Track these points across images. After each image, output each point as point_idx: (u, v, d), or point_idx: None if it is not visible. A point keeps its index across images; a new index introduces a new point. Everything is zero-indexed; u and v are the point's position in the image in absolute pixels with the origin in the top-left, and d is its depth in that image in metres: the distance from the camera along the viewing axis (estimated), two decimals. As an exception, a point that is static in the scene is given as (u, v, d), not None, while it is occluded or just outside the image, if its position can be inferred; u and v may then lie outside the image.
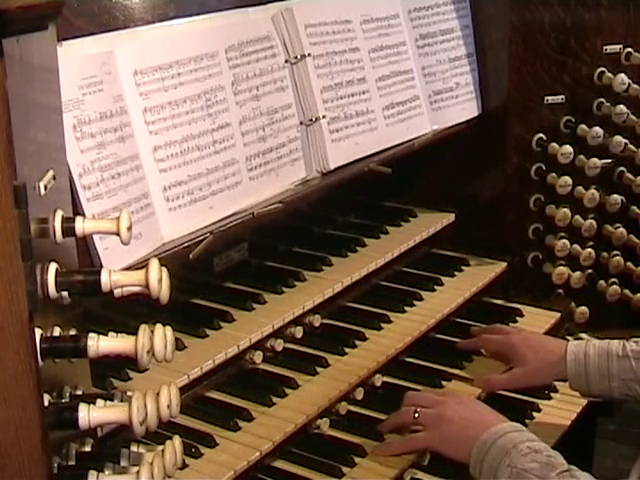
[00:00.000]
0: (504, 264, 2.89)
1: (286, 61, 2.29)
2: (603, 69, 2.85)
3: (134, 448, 1.54)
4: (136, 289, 1.38)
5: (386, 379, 2.35)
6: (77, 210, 1.69)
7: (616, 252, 3.00)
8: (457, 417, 2.03)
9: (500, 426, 1.94)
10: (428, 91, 2.75)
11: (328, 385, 2.21)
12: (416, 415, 2.09)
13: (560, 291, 2.97)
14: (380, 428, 2.16)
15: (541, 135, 2.86)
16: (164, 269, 1.36)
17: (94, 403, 1.38)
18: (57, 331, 1.37)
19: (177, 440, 1.46)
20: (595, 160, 2.86)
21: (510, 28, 2.77)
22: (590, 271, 2.98)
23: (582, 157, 2.87)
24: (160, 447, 1.44)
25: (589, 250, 2.95)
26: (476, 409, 2.08)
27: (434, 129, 2.76)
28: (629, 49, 2.86)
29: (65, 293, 1.36)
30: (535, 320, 2.76)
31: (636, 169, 2.93)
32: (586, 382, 2.25)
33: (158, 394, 1.38)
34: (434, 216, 2.94)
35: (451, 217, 2.93)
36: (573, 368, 2.26)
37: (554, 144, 2.85)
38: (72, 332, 1.41)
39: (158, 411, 1.37)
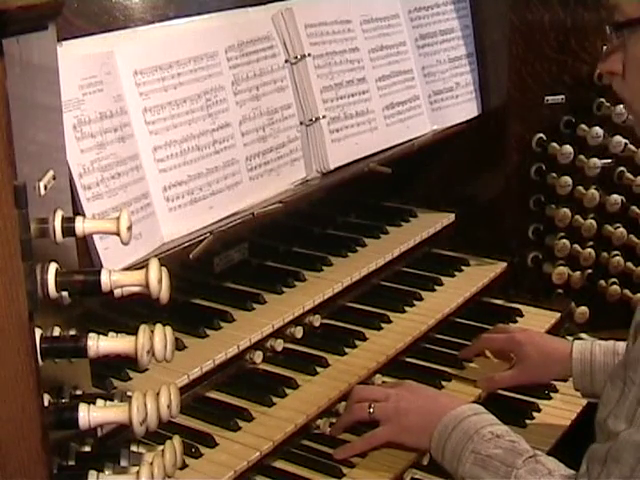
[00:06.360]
0: (504, 264, 2.89)
1: (286, 61, 2.29)
2: (603, 69, 2.85)
3: (134, 448, 1.54)
4: (136, 289, 1.38)
5: (386, 379, 2.35)
6: (77, 210, 1.69)
7: (616, 252, 3.00)
8: (413, 406, 2.04)
9: (460, 409, 1.94)
10: (428, 91, 2.75)
11: (328, 385, 2.21)
12: (371, 410, 2.10)
13: (560, 291, 2.97)
14: (332, 432, 2.15)
15: (541, 135, 2.86)
16: (164, 269, 1.36)
17: (94, 403, 1.38)
18: (57, 331, 1.37)
19: (177, 440, 1.46)
20: (595, 160, 2.86)
21: (510, 28, 2.77)
22: (590, 271, 2.98)
23: (582, 157, 2.87)
24: (160, 447, 1.44)
25: (589, 250, 2.95)
26: (430, 395, 2.10)
27: (434, 129, 2.76)
28: (629, 49, 2.85)
29: (65, 293, 1.36)
30: (535, 320, 2.76)
31: (636, 169, 2.93)
32: (591, 381, 2.25)
33: (158, 394, 1.38)
34: (434, 216, 2.93)
35: (451, 217, 2.93)
36: (578, 366, 2.26)
37: (554, 144, 2.85)
38: (72, 332, 1.41)
39: (158, 411, 1.37)
